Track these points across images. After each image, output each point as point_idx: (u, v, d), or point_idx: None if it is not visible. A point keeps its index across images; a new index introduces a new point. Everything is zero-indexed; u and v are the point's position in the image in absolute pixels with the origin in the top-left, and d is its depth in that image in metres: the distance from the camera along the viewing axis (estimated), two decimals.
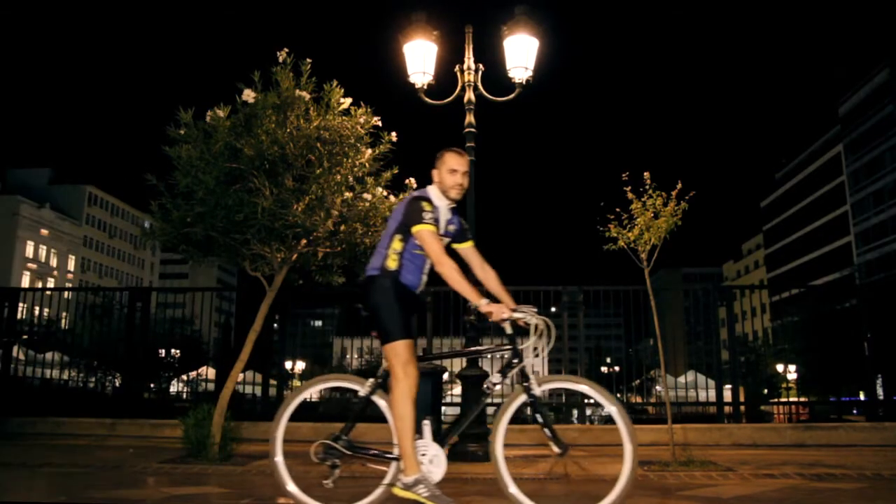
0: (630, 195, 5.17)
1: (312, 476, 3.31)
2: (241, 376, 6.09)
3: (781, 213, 79.85)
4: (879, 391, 8.35)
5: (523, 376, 3.09)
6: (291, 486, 3.22)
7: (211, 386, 16.76)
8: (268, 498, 3.70)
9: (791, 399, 20.76)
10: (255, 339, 5.22)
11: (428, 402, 3.61)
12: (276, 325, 8.85)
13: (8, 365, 8.48)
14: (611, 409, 3.02)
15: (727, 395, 8.16)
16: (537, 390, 3.06)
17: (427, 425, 3.16)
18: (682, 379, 19.47)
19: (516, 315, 3.06)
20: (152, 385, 22.56)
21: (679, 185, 5.08)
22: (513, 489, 3.03)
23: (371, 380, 3.21)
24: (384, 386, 3.22)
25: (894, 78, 57.30)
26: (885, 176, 59.43)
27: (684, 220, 5.14)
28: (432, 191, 3.36)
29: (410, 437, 3.05)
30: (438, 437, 3.17)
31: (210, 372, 18.88)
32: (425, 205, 3.21)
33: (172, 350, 28.13)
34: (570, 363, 8.00)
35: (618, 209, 5.24)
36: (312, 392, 3.33)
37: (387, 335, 3.15)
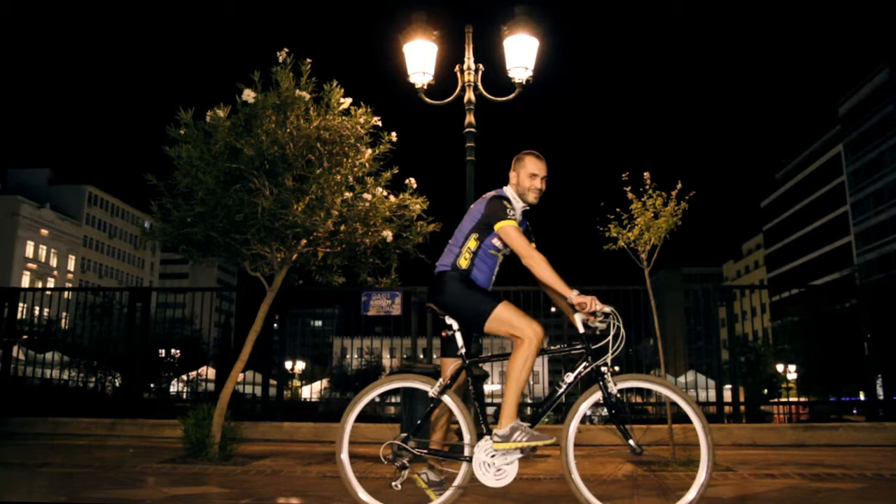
0: (630, 195, 5.17)
1: (311, 476, 3.30)
2: (241, 376, 6.09)
3: (781, 213, 79.80)
4: (879, 391, 8.35)
5: (599, 374, 3.05)
6: (364, 496, 3.08)
7: (211, 386, 16.80)
8: (268, 498, 3.69)
9: (791, 399, 20.79)
10: (255, 339, 5.21)
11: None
12: (276, 325, 8.85)
13: (8, 365, 8.48)
14: (688, 409, 3.04)
15: (727, 395, 8.17)
16: (613, 389, 3.03)
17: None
18: (682, 379, 19.50)
19: (607, 309, 3.02)
20: (152, 385, 22.60)
21: (679, 185, 5.08)
22: (586, 493, 2.95)
23: (440, 380, 3.16)
24: (452, 386, 3.16)
25: (894, 78, 57.28)
26: (885, 176, 59.39)
27: (684, 220, 5.14)
28: (509, 192, 3.41)
29: (519, 394, 3.02)
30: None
31: (210, 372, 18.92)
32: (507, 203, 3.27)
33: (172, 350, 28.16)
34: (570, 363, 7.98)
35: (618, 209, 5.24)
36: (381, 392, 3.26)
37: (481, 313, 3.12)
